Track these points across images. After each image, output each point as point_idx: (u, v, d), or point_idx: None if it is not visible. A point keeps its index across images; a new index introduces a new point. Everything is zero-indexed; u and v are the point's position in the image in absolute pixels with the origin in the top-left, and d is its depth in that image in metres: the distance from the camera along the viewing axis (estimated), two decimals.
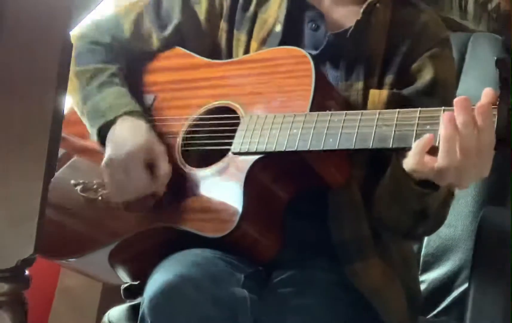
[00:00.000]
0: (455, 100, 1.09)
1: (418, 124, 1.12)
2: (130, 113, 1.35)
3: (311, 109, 1.24)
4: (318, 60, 1.31)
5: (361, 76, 1.34)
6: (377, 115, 1.16)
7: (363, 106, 1.33)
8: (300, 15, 1.40)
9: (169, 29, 1.45)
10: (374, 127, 1.15)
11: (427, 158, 1.10)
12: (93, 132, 1.37)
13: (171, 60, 1.46)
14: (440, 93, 1.34)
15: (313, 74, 1.26)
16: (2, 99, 0.87)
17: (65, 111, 1.44)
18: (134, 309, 1.41)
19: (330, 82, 1.34)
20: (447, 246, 1.68)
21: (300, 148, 1.20)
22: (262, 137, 1.24)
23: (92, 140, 1.38)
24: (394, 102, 1.32)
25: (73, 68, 1.43)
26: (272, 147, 1.22)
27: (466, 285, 1.55)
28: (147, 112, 1.40)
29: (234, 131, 1.28)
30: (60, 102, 0.91)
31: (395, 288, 1.35)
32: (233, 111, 1.32)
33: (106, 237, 1.33)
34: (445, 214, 1.31)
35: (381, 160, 1.28)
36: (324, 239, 1.31)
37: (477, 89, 1.74)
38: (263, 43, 1.40)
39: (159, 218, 1.29)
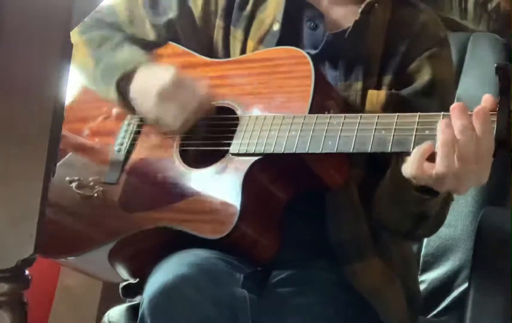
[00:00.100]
0: (451, 106, 1.08)
1: (417, 129, 1.11)
2: (149, 62, 1.38)
3: (311, 110, 1.24)
4: (317, 60, 1.31)
5: (360, 77, 1.34)
6: (376, 119, 1.16)
7: (362, 106, 1.33)
8: (298, 14, 1.40)
9: (163, 20, 1.45)
10: (373, 131, 1.15)
11: (426, 165, 1.10)
12: (109, 89, 1.37)
13: (169, 59, 1.45)
14: (438, 94, 1.34)
15: (313, 75, 1.26)
16: (2, 99, 0.87)
17: None
18: (134, 309, 1.41)
19: (330, 82, 1.34)
20: (447, 246, 1.68)
21: (298, 151, 1.20)
22: (261, 138, 1.24)
23: (110, 99, 1.39)
24: (392, 102, 1.32)
25: (80, 38, 1.45)
26: (270, 149, 1.22)
27: (466, 285, 1.55)
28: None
29: (233, 131, 1.28)
30: (60, 102, 0.91)
31: (395, 288, 1.35)
32: (232, 111, 1.32)
33: (105, 235, 1.33)
34: (445, 215, 1.31)
35: (380, 161, 1.28)
36: (323, 239, 1.31)
37: (477, 89, 1.75)
38: (261, 42, 1.40)
39: (157, 217, 1.29)
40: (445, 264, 1.69)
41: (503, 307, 1.39)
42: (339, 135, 1.17)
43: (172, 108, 1.31)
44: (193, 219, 1.26)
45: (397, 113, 1.15)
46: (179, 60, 1.44)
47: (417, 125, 1.12)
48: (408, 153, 1.12)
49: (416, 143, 1.11)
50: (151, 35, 1.47)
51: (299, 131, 1.21)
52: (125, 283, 1.41)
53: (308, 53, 1.30)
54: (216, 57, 1.43)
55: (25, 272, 0.94)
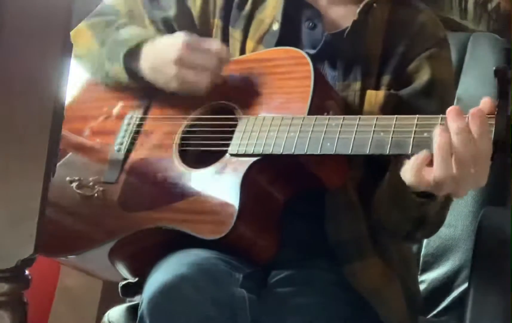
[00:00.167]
0: (447, 110, 1.08)
1: (415, 131, 1.11)
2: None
3: (310, 111, 1.24)
4: (316, 60, 1.31)
5: (358, 77, 1.34)
6: (374, 121, 1.16)
7: (360, 106, 1.33)
8: (297, 13, 1.40)
9: (161, 16, 1.46)
10: (372, 133, 1.15)
11: (424, 171, 1.09)
12: (116, 67, 1.38)
13: None
14: (438, 94, 1.34)
15: (312, 76, 1.26)
16: (2, 99, 0.87)
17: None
18: (134, 310, 1.41)
19: (329, 83, 1.34)
20: (447, 246, 1.68)
21: (297, 152, 1.20)
22: (260, 139, 1.24)
23: (112, 80, 1.40)
24: (391, 103, 1.32)
25: (84, 23, 1.45)
26: (269, 150, 1.22)
27: (466, 285, 1.55)
28: (144, 111, 1.41)
29: (232, 132, 1.28)
30: (60, 102, 0.91)
31: (394, 288, 1.35)
32: (231, 111, 1.32)
33: (104, 235, 1.32)
34: (444, 217, 1.30)
35: (379, 162, 1.28)
36: (323, 239, 1.31)
37: (477, 89, 1.75)
38: (260, 41, 1.40)
39: (156, 217, 1.29)
40: (445, 264, 1.69)
41: (503, 307, 1.39)
42: (338, 137, 1.17)
43: (195, 71, 1.31)
44: (191, 219, 1.26)
45: (396, 115, 1.15)
46: None
47: (416, 127, 1.11)
48: (406, 156, 1.12)
49: (415, 145, 1.10)
50: (151, 31, 1.47)
51: (298, 132, 1.21)
52: (124, 282, 1.41)
53: (307, 53, 1.30)
54: None
55: (25, 272, 0.94)
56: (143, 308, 1.15)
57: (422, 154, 1.09)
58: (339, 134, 1.17)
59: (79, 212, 1.37)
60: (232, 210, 1.21)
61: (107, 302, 1.54)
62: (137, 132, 1.40)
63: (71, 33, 0.93)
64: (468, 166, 1.05)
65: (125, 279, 1.40)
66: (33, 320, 0.98)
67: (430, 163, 1.09)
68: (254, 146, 1.24)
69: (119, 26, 1.43)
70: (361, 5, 1.35)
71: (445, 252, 1.69)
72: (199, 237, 1.22)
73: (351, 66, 1.35)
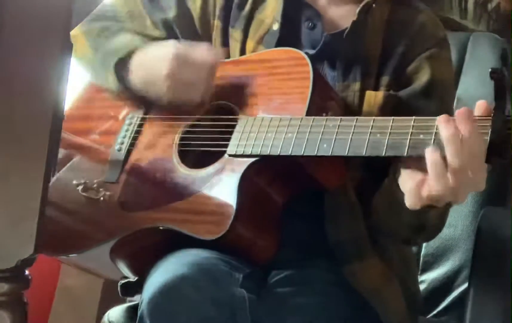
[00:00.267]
0: (437, 119, 1.07)
1: (412, 133, 1.11)
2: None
3: (308, 112, 1.23)
4: (315, 60, 1.31)
5: (358, 77, 1.34)
6: (371, 123, 1.15)
7: (360, 107, 1.33)
8: (297, 13, 1.40)
9: (161, 16, 1.45)
10: (368, 134, 1.14)
11: (422, 191, 1.08)
12: (108, 76, 1.38)
13: None
14: (437, 95, 1.33)
15: (311, 77, 1.26)
16: (2, 99, 0.87)
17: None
18: (134, 309, 1.41)
19: (328, 83, 1.34)
20: (447, 246, 1.68)
21: (294, 153, 1.20)
22: (258, 140, 1.24)
23: (110, 87, 1.40)
24: (390, 104, 1.32)
25: (79, 29, 1.46)
26: (267, 150, 1.22)
27: (466, 285, 1.55)
28: (145, 111, 1.41)
29: (231, 132, 1.28)
30: (60, 102, 0.91)
31: (394, 288, 1.35)
32: (231, 112, 1.32)
33: (105, 234, 1.33)
34: (444, 221, 1.29)
35: (378, 162, 1.28)
36: (322, 239, 1.31)
37: (477, 89, 1.75)
38: (260, 42, 1.40)
39: (155, 217, 1.29)
40: (445, 264, 1.69)
41: (503, 307, 1.39)
42: (335, 138, 1.17)
43: (188, 84, 1.31)
44: (190, 219, 1.26)
45: (393, 117, 1.14)
46: None
47: (412, 129, 1.11)
48: (402, 158, 1.12)
49: (411, 147, 1.10)
50: (154, 32, 1.47)
51: (296, 133, 1.21)
52: (124, 282, 1.41)
53: (306, 53, 1.30)
54: None
55: (25, 272, 0.94)
56: (143, 308, 1.15)
57: (418, 177, 1.09)
58: (336, 135, 1.17)
59: (81, 212, 1.38)
60: (230, 210, 1.21)
61: (107, 302, 1.54)
62: (137, 132, 1.40)
63: None
64: (465, 171, 1.04)
65: (125, 278, 1.40)
66: (33, 320, 0.98)
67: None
68: (252, 147, 1.24)
69: (111, 33, 1.43)
70: (361, 5, 1.35)
71: (445, 252, 1.69)
72: (197, 237, 1.22)
73: (350, 66, 1.35)
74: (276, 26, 1.39)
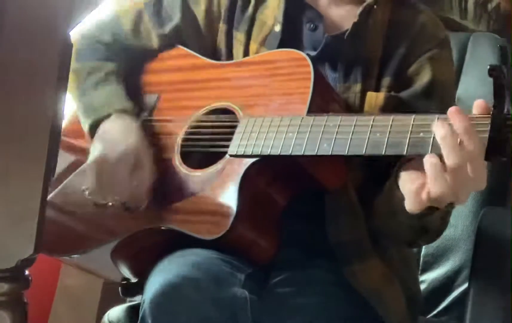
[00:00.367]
0: (433, 124, 1.08)
1: (411, 131, 1.11)
2: (121, 111, 1.36)
3: (309, 112, 1.23)
4: (317, 61, 1.31)
5: (359, 78, 1.34)
6: (371, 121, 1.15)
7: (361, 108, 1.33)
8: (298, 15, 1.40)
9: (169, 28, 1.46)
10: (368, 133, 1.14)
11: (422, 194, 1.08)
12: (85, 127, 1.38)
13: (175, 60, 1.46)
14: (438, 95, 1.33)
15: (312, 77, 1.26)
16: (2, 99, 0.87)
17: (70, 116, 1.46)
18: (134, 309, 1.41)
19: (330, 84, 1.34)
20: (447, 246, 1.68)
21: (294, 153, 1.20)
22: (259, 140, 1.24)
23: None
24: (391, 105, 1.32)
25: (72, 64, 1.43)
26: (267, 150, 1.22)
27: (466, 285, 1.55)
28: (149, 112, 1.41)
29: (233, 133, 1.28)
30: (60, 102, 0.91)
31: (394, 289, 1.35)
32: (233, 113, 1.33)
33: (106, 234, 1.34)
34: (447, 223, 1.29)
35: (379, 162, 1.28)
36: (323, 239, 1.31)
37: (477, 89, 1.75)
38: (263, 43, 1.40)
39: (156, 218, 1.29)
40: (445, 264, 1.69)
41: (503, 307, 1.39)
42: (335, 138, 1.17)
43: (101, 179, 1.30)
44: (191, 219, 1.26)
45: (393, 116, 1.14)
46: (183, 62, 1.45)
47: (412, 127, 1.11)
48: (402, 156, 1.12)
49: (410, 145, 1.10)
50: (155, 44, 1.47)
51: (296, 133, 1.21)
52: (124, 282, 1.41)
53: (307, 54, 1.30)
54: (219, 60, 1.43)
55: (25, 272, 0.94)
56: (145, 308, 1.15)
57: (418, 181, 1.09)
58: (336, 134, 1.17)
59: (85, 214, 1.38)
60: (230, 210, 1.21)
61: (107, 302, 1.54)
62: None
63: None
64: (463, 170, 1.04)
65: (125, 278, 1.40)
66: (33, 320, 0.98)
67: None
68: (253, 147, 1.24)
69: (100, 80, 1.42)
70: (362, 7, 1.35)
71: (445, 252, 1.69)
72: (197, 237, 1.22)
73: (351, 68, 1.35)
74: (278, 28, 1.39)
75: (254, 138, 1.24)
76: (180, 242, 1.23)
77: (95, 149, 1.32)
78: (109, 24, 1.49)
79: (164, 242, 1.26)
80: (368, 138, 1.14)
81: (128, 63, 1.47)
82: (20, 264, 0.91)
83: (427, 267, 1.70)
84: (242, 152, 1.25)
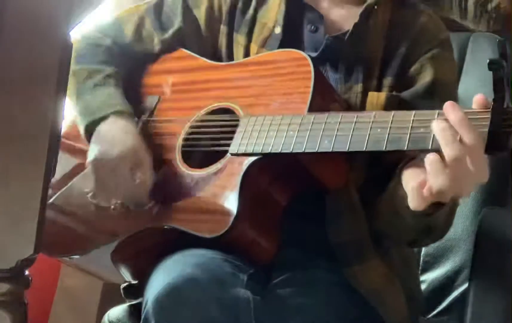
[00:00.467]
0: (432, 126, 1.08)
1: (412, 127, 1.11)
2: (119, 113, 1.35)
3: (310, 111, 1.24)
4: (318, 62, 1.31)
5: (360, 79, 1.34)
6: (372, 118, 1.15)
7: (362, 108, 1.33)
8: (299, 16, 1.40)
9: (171, 32, 1.46)
10: (369, 129, 1.14)
11: (424, 192, 1.08)
12: (81, 129, 1.38)
13: (176, 62, 1.47)
14: (439, 95, 1.33)
15: (313, 77, 1.26)
16: (2, 99, 0.87)
17: (72, 118, 1.46)
18: (134, 309, 1.41)
19: (330, 84, 1.34)
20: (447, 246, 1.68)
21: (295, 150, 1.20)
22: (260, 138, 1.24)
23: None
24: (392, 105, 1.32)
25: (71, 66, 1.43)
26: (268, 149, 1.22)
27: (466, 285, 1.55)
28: (150, 113, 1.41)
29: (234, 132, 1.28)
30: (60, 103, 0.91)
31: (395, 289, 1.35)
32: (234, 113, 1.33)
33: (107, 235, 1.34)
34: (451, 222, 1.28)
35: (379, 162, 1.28)
36: (324, 239, 1.31)
37: (477, 89, 1.74)
38: (263, 45, 1.40)
39: (157, 217, 1.29)
40: (445, 264, 1.68)
41: (503, 307, 1.39)
42: (336, 134, 1.17)
43: (101, 181, 1.31)
44: (191, 218, 1.26)
45: (393, 112, 1.15)
46: (186, 64, 1.45)
47: (412, 123, 1.11)
48: (402, 151, 1.12)
49: (411, 141, 1.10)
50: (157, 48, 1.47)
51: (297, 131, 1.21)
52: (126, 284, 1.41)
53: (309, 55, 1.30)
54: (221, 62, 1.43)
55: (25, 272, 0.94)
56: (147, 308, 1.15)
57: (419, 178, 1.08)
58: (337, 131, 1.17)
59: (87, 215, 1.38)
60: (231, 209, 1.21)
61: (107, 302, 1.54)
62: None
63: None
64: (462, 162, 1.04)
65: (127, 281, 1.40)
66: (33, 320, 0.98)
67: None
68: (254, 146, 1.24)
69: (98, 82, 1.42)
70: (362, 8, 1.35)
71: (445, 252, 1.69)
72: (198, 235, 1.22)
73: (352, 68, 1.35)
74: (278, 30, 1.39)
75: (255, 137, 1.24)
76: (181, 242, 1.23)
77: (92, 152, 1.32)
78: (110, 28, 1.49)
79: (165, 242, 1.26)
80: (369, 134, 1.14)
81: (128, 68, 1.47)
82: (20, 264, 0.91)
83: (427, 267, 1.70)
84: (243, 151, 1.25)
